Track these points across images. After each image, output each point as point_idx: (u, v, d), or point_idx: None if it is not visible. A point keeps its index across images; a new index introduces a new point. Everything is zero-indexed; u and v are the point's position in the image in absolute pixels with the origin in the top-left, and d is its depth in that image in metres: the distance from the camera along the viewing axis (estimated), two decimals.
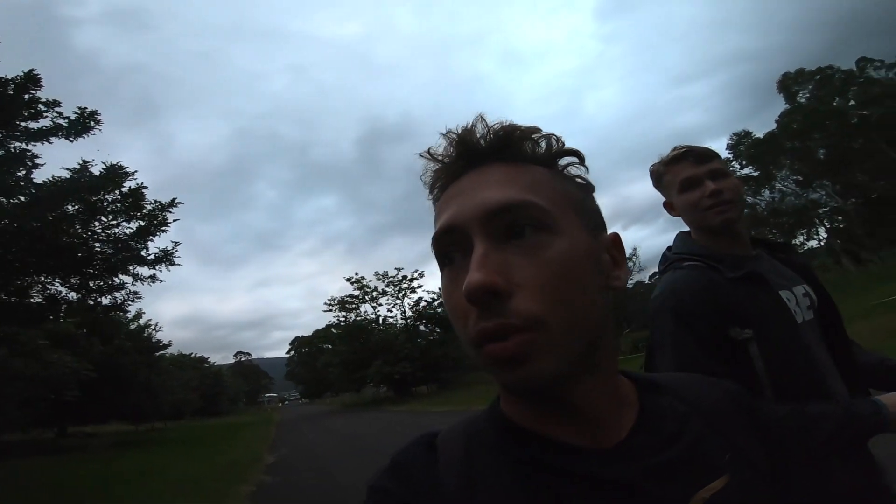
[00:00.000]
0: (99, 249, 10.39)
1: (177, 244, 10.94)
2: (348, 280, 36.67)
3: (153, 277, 10.89)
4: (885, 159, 25.00)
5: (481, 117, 0.43)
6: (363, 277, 36.62)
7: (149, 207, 10.40)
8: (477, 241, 0.38)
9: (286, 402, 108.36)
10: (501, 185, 0.40)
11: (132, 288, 11.15)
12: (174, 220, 10.87)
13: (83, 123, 9.87)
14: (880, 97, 26.05)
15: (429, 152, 0.45)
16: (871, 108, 26.18)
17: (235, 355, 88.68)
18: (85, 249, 10.09)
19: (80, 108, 10.10)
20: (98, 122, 10.13)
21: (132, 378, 15.91)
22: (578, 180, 0.46)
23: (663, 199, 1.17)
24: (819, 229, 30.84)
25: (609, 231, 0.46)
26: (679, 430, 0.43)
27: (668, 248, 1.17)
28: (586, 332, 0.38)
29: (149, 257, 10.56)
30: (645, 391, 0.46)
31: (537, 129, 0.44)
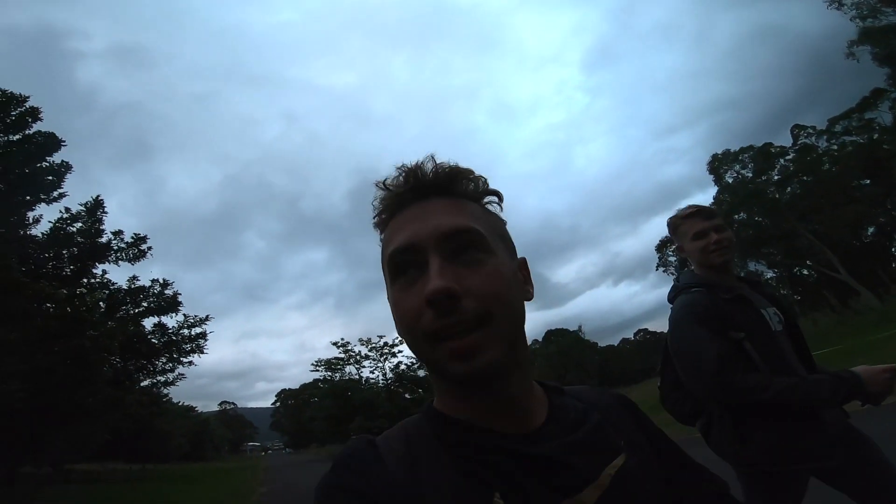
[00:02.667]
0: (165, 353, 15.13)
1: (203, 336, 15.59)
2: (334, 344, 41.70)
3: (191, 363, 15.69)
4: (803, 242, 29.72)
5: (432, 157, 0.56)
6: (348, 343, 41.74)
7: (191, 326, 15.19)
8: (432, 257, 0.50)
9: (269, 451, 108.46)
10: (450, 214, 0.53)
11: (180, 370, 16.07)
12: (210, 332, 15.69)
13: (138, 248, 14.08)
14: (791, 175, 31.07)
15: (383, 183, 0.57)
16: (788, 185, 31.17)
17: (220, 404, 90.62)
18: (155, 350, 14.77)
19: (135, 235, 14.31)
20: (148, 249, 14.39)
21: (149, 423, 19.44)
22: (499, 215, 0.60)
23: (676, 244, 1.72)
24: None
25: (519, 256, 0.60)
26: (582, 419, 0.56)
27: (676, 280, 1.70)
28: (516, 329, 0.52)
29: (186, 348, 15.21)
30: (552, 393, 0.60)
31: (472, 171, 0.57)
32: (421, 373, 41.73)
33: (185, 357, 15.53)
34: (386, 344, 40.74)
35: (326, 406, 39.40)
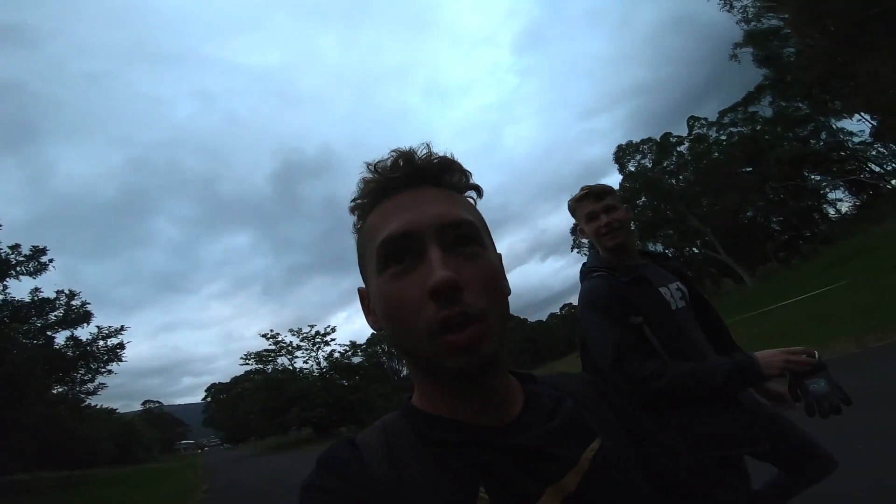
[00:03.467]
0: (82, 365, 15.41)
1: (121, 347, 15.86)
2: (264, 336, 41.63)
3: (110, 371, 15.95)
4: (691, 225, 34.54)
5: (427, 144, 0.55)
6: (278, 334, 41.83)
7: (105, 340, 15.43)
8: (432, 246, 0.49)
9: (206, 448, 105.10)
10: (447, 204, 0.52)
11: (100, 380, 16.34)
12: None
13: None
14: (685, 163, 35.59)
15: (374, 165, 0.55)
16: (682, 172, 35.74)
17: (144, 403, 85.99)
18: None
19: (34, 247, 14.13)
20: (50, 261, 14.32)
21: (72, 432, 19.20)
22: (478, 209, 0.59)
23: (578, 227, 1.66)
24: None
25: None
26: (557, 407, 0.56)
27: (584, 264, 1.64)
28: (506, 323, 0.52)
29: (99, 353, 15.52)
30: (526, 382, 0.60)
31: (461, 164, 0.57)
32: (355, 360, 43.32)
33: (104, 367, 15.81)
34: (318, 333, 41.50)
35: (260, 399, 39.49)
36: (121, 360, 15.92)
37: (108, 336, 15.52)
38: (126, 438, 45.60)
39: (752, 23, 22.72)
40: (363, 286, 0.59)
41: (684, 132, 37.66)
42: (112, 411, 49.16)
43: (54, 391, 16.12)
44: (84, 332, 15.44)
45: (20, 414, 10.90)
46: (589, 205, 1.57)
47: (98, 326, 15.44)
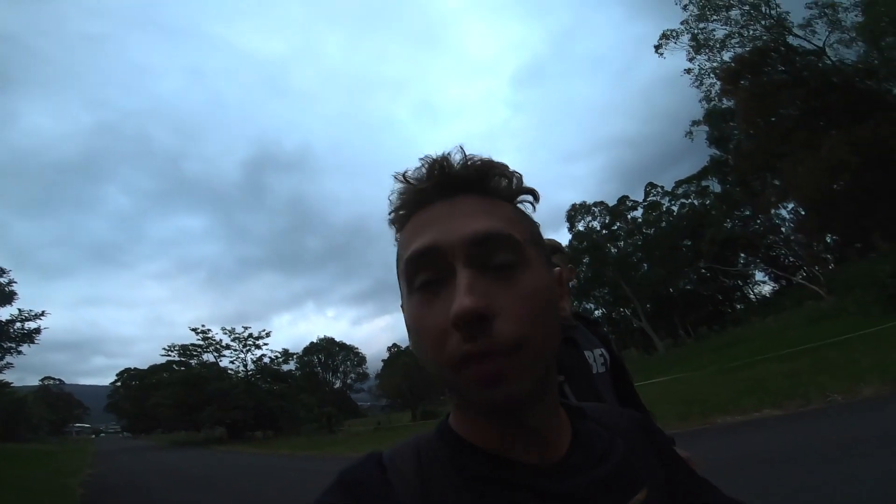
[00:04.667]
0: None
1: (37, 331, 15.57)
2: (193, 330, 41.23)
3: (20, 352, 15.67)
4: (622, 293, 37.42)
5: (461, 148, 0.48)
6: (209, 329, 41.54)
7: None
8: (460, 267, 0.42)
9: (102, 434, 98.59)
10: (482, 216, 0.45)
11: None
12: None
13: None
14: (635, 229, 38.32)
15: (403, 175, 0.49)
16: (632, 237, 38.53)
17: (42, 380, 80.00)
18: None
19: None
20: None
21: None
22: (532, 217, 0.52)
23: None
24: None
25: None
26: (608, 450, 0.51)
27: None
28: (550, 355, 0.45)
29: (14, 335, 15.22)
30: (574, 417, 0.54)
31: (506, 166, 0.49)
32: (285, 367, 42.86)
33: (16, 348, 15.54)
34: (251, 335, 41.44)
35: (175, 394, 38.42)
36: (34, 343, 15.64)
37: (27, 319, 15.30)
38: (14, 415, 42.57)
39: (713, 102, 24.88)
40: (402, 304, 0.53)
41: (663, 185, 40.10)
42: (6, 385, 45.90)
43: None
44: (4, 312, 15.11)
45: None
46: None
47: (20, 309, 15.25)
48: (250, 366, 41.27)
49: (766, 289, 38.27)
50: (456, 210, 0.46)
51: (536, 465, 0.46)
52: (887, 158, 15.34)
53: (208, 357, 41.72)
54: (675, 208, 39.43)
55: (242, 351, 41.48)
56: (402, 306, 0.50)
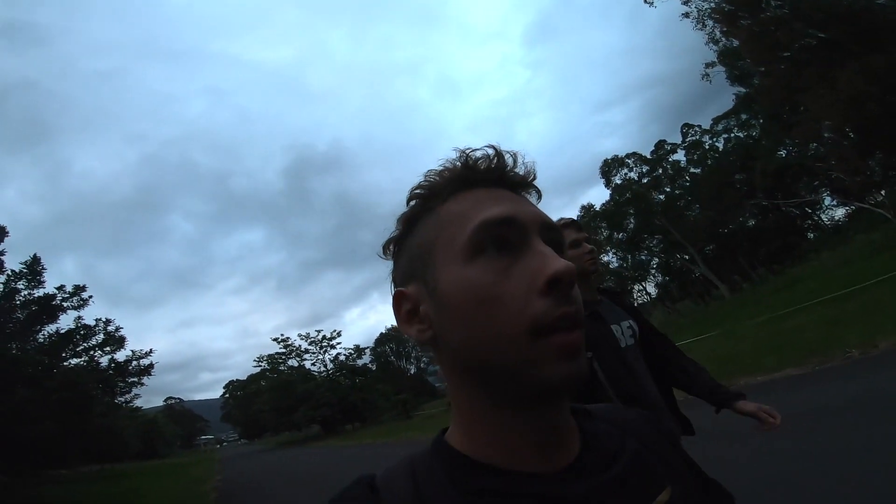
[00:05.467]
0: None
1: (150, 366, 19.44)
2: (275, 340, 46.84)
3: (141, 384, 19.79)
4: (672, 238, 36.82)
5: (519, 153, 0.50)
6: (288, 337, 47.00)
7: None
8: (536, 241, 0.44)
9: (224, 443, 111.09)
10: (541, 210, 0.49)
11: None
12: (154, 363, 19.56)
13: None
14: (680, 170, 37.55)
15: (466, 154, 0.49)
16: (677, 179, 37.88)
17: (165, 400, 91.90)
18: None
19: (76, 286, 17.71)
20: (89, 298, 17.86)
21: (112, 427, 23.10)
22: None
23: None
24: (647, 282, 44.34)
25: None
26: (619, 449, 0.48)
27: None
28: None
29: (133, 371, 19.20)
30: (582, 419, 0.51)
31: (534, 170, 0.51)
32: (360, 362, 47.15)
33: (138, 382, 19.66)
34: (324, 337, 46.03)
35: (271, 399, 43.61)
36: (151, 376, 19.65)
37: (140, 358, 19.20)
38: (150, 435, 50.55)
39: (721, 42, 24.15)
40: (403, 289, 0.49)
41: (700, 124, 38.89)
42: (137, 409, 54.18)
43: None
44: (119, 355, 19.15)
45: (86, 424, 15.31)
46: (573, 233, 1.71)
47: (132, 350, 19.17)
48: (329, 365, 45.79)
49: (840, 212, 36.07)
50: (520, 198, 0.49)
51: (544, 473, 0.43)
52: None
53: (292, 363, 46.87)
54: (719, 145, 38.06)
55: (319, 352, 46.14)
56: (402, 291, 0.49)
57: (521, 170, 0.49)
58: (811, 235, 36.55)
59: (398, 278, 0.51)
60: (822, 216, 37.15)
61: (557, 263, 0.40)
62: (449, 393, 0.48)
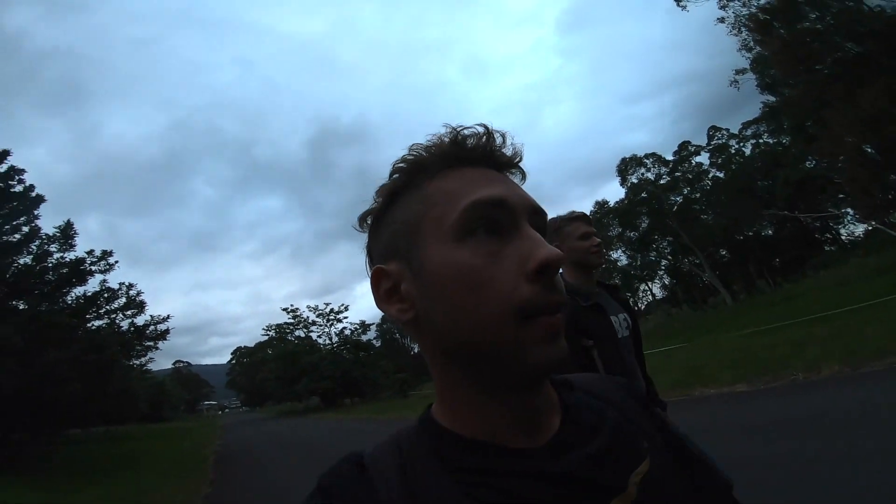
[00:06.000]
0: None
1: (167, 331, 20.15)
2: (284, 310, 47.64)
3: (158, 348, 20.74)
4: (682, 241, 36.60)
5: (508, 133, 0.49)
6: (297, 308, 47.72)
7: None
8: (526, 225, 0.44)
9: (227, 409, 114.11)
10: (528, 194, 0.48)
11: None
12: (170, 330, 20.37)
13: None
14: (702, 173, 37.06)
15: (455, 130, 0.48)
16: (697, 182, 37.44)
17: (174, 363, 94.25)
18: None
19: (103, 251, 17.90)
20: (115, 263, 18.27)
21: (126, 387, 24.04)
22: None
23: (555, 244, 1.75)
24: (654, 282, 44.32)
25: None
26: (600, 421, 0.48)
27: None
28: None
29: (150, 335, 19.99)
30: (562, 390, 0.52)
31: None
32: (364, 338, 47.97)
33: (154, 346, 20.41)
34: (332, 311, 46.86)
35: (276, 368, 44.58)
36: (166, 341, 20.43)
37: (158, 323, 19.90)
38: (158, 398, 51.96)
39: (754, 50, 23.82)
40: (383, 266, 0.48)
41: (728, 128, 38.65)
42: (147, 371, 55.26)
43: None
44: (139, 319, 19.87)
45: (107, 386, 16.50)
46: (583, 226, 1.82)
47: (151, 315, 19.90)
48: (334, 338, 46.61)
49: (861, 228, 35.38)
50: (508, 180, 0.49)
51: (527, 448, 0.44)
52: None
53: (299, 334, 47.85)
54: (746, 150, 37.49)
55: (326, 325, 47.06)
56: (381, 268, 0.48)
57: (508, 150, 0.49)
58: (829, 249, 35.99)
59: (376, 254, 0.51)
60: (843, 230, 36.62)
61: (547, 249, 0.41)
62: (432, 372, 0.48)
